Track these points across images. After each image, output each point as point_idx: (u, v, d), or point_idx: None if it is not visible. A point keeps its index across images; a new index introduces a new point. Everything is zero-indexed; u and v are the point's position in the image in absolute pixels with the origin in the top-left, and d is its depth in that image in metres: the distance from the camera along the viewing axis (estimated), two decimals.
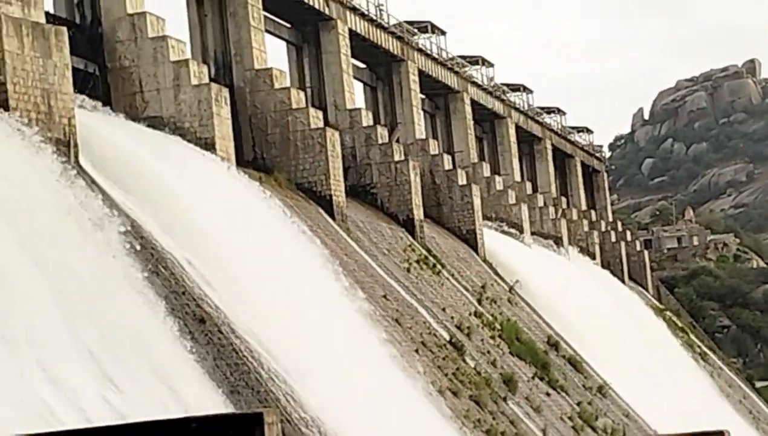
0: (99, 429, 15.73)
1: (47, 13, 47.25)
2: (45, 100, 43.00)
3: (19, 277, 34.24)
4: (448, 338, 58.98)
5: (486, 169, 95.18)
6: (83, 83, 49.96)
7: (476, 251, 79.71)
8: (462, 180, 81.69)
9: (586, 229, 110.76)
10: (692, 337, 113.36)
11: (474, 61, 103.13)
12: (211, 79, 57.23)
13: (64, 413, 29.98)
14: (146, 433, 14.74)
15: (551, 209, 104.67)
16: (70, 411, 29.97)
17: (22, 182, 38.59)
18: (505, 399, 57.13)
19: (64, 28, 45.86)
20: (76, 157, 43.12)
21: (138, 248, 40.73)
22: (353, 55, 77.86)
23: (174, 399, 33.05)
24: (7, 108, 41.47)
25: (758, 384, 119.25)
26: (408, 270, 64.81)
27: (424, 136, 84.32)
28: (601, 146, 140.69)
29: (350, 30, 76.72)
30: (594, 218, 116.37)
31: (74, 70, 46.17)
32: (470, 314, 66.04)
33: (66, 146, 42.80)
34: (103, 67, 54.73)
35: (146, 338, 37.09)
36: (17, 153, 40.15)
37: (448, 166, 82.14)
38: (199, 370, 37.93)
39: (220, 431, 14.34)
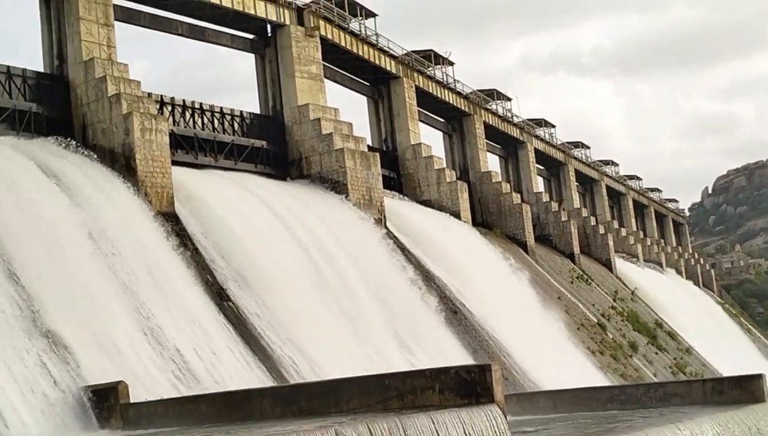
0: (394, 374, 15.90)
1: (368, 146, 48.27)
2: (368, 193, 43.83)
3: (357, 288, 34.99)
4: (596, 321, 57.81)
5: (616, 224, 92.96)
6: (387, 183, 50.80)
7: (611, 270, 77.75)
8: (602, 230, 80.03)
9: (675, 257, 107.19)
10: (741, 319, 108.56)
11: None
12: (457, 178, 57.52)
13: (380, 363, 30.43)
14: (425, 376, 14.85)
15: (655, 246, 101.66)
16: (382, 364, 30.40)
17: (361, 238, 39.57)
18: (631, 356, 55.64)
19: (377, 154, 46.81)
20: (385, 224, 43.83)
21: (420, 273, 41.21)
22: (537, 162, 77.39)
23: (442, 357, 33.21)
24: (348, 198, 42.52)
25: None
26: (571, 283, 63.74)
27: (578, 206, 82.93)
28: (683, 209, 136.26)
29: (536, 149, 76.39)
30: (681, 251, 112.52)
31: (384, 176, 46.98)
32: (609, 308, 64.52)
33: (379, 217, 43.55)
34: (398, 173, 55.55)
35: (426, 322, 37.42)
36: (356, 222, 41.17)
37: (593, 223, 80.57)
38: (455, 340, 38.08)
39: (467, 374, 14.33)
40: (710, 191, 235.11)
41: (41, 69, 35.96)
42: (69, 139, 33.15)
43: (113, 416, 20.08)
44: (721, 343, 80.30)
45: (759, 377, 20.90)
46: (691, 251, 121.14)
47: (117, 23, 36.83)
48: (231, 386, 23.80)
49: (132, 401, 20.22)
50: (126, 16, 39.07)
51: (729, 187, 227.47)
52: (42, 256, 24.52)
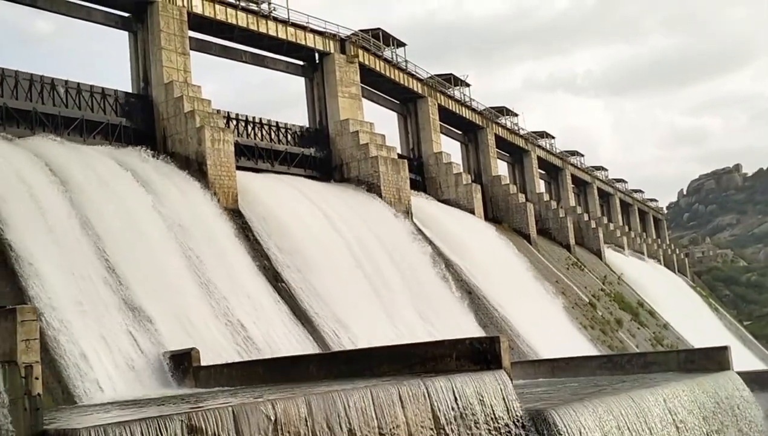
0: (418, 344, 15.86)
1: (398, 154, 48.07)
2: (397, 193, 43.75)
3: (388, 272, 34.92)
4: (588, 301, 57.33)
5: (605, 220, 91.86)
6: (414, 184, 50.47)
7: (601, 259, 76.91)
8: (593, 225, 79.16)
9: (655, 248, 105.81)
10: (711, 300, 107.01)
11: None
12: (472, 181, 57.20)
13: (406, 335, 30.37)
14: (444, 346, 14.81)
15: (638, 239, 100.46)
16: (408, 335, 30.34)
17: (391, 230, 39.46)
18: (617, 331, 55.12)
19: (405, 160, 46.67)
20: (411, 218, 43.69)
21: (440, 259, 41.04)
22: (539, 167, 76.64)
23: (460, 330, 33.10)
24: (381, 197, 42.44)
25: (745, 323, 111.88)
26: (567, 269, 63.28)
27: (574, 205, 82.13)
28: (662, 208, 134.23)
29: (538, 157, 75.78)
30: (660, 243, 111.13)
31: (410, 179, 46.76)
32: (599, 290, 63.95)
33: (407, 213, 43.44)
34: (423, 177, 55.32)
35: (445, 300, 37.27)
36: (387, 217, 41.08)
37: (586, 219, 79.68)
38: (470, 316, 37.82)
39: (479, 345, 14.26)
40: (685, 192, 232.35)
41: (129, 90, 36.29)
42: (152, 148, 33.47)
43: (187, 376, 20.23)
44: (693, 320, 79.26)
45: (725, 349, 20.82)
46: (668, 243, 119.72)
47: (192, 52, 37.10)
48: (283, 353, 23.89)
49: (203, 364, 20.37)
50: (199, 46, 39.31)
51: (701, 189, 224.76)
52: (130, 243, 24.75)
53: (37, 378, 8.81)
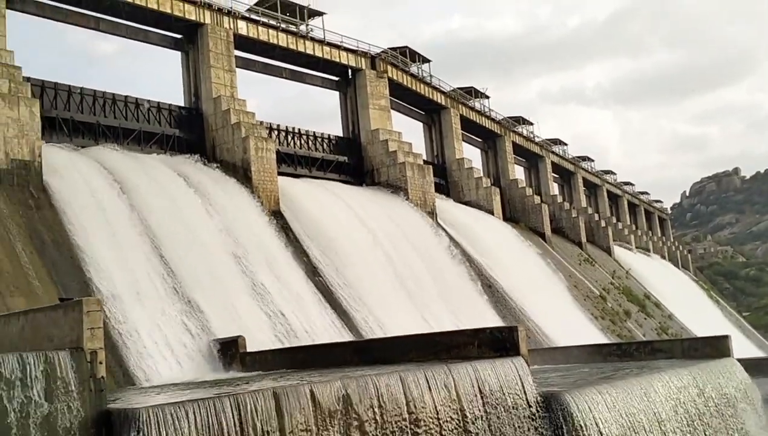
0: (443, 333, 15.78)
1: (424, 160, 47.90)
2: (423, 195, 43.61)
3: (415, 267, 34.81)
4: (598, 293, 56.71)
5: (614, 219, 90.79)
6: (438, 188, 50.34)
7: (610, 255, 75.97)
8: (603, 224, 78.28)
9: (660, 245, 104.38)
10: (712, 293, 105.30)
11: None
12: (491, 184, 56.83)
13: (432, 324, 30.28)
14: (467, 334, 14.71)
15: (644, 237, 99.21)
16: (436, 325, 30.24)
17: (418, 229, 39.35)
18: (625, 321, 54.47)
19: (430, 166, 46.43)
20: (436, 218, 43.54)
21: (463, 256, 40.84)
22: (553, 171, 75.91)
23: (481, 320, 32.90)
24: (408, 199, 42.33)
25: (744, 314, 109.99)
26: (579, 264, 62.65)
27: (585, 206, 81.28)
28: (666, 208, 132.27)
29: (552, 162, 75.17)
30: (664, 240, 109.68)
31: (435, 183, 46.61)
32: (608, 283, 63.25)
33: (432, 214, 43.27)
34: (446, 181, 55.11)
35: (467, 293, 37.08)
36: (414, 217, 40.98)
37: (596, 218, 78.82)
38: (489, 308, 37.59)
39: (499, 334, 14.15)
40: (687, 194, 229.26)
41: (182, 104, 36.64)
42: (202, 156, 33.77)
43: (234, 361, 20.35)
44: (696, 311, 78.07)
45: (726, 337, 20.57)
46: (672, 240, 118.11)
47: (238, 70, 37.37)
48: (321, 340, 23.96)
49: (249, 350, 20.48)
50: (244, 64, 39.57)
51: (702, 191, 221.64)
52: (183, 242, 24.98)
53: (101, 363, 8.93)
